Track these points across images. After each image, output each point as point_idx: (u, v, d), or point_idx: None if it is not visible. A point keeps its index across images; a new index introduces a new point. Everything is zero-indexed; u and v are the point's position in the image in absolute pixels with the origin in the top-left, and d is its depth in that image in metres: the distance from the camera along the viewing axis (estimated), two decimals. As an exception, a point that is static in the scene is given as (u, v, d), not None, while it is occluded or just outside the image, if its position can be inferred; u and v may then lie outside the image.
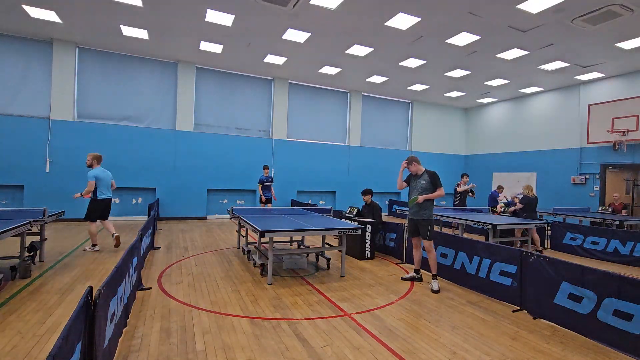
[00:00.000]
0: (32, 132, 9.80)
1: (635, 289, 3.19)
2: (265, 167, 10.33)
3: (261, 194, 10.13)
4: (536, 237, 7.78)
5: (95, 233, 6.52)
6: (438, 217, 8.30)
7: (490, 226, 6.49)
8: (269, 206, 9.88)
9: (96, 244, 6.57)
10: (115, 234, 6.57)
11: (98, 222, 6.55)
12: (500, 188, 10.47)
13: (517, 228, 7.51)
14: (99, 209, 6.49)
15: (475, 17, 7.63)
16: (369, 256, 6.68)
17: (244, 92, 12.57)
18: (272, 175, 10.37)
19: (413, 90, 13.97)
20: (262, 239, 5.20)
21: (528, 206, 8.03)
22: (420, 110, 16.06)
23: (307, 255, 6.52)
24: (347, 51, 9.94)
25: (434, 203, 5.21)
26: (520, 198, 8.38)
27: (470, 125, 17.03)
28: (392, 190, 15.08)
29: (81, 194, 6.30)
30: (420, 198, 4.92)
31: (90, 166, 6.46)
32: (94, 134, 10.46)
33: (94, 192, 6.37)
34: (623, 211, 10.42)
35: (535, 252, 4.19)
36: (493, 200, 10.17)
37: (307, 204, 10.59)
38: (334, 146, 14.20)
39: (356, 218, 6.96)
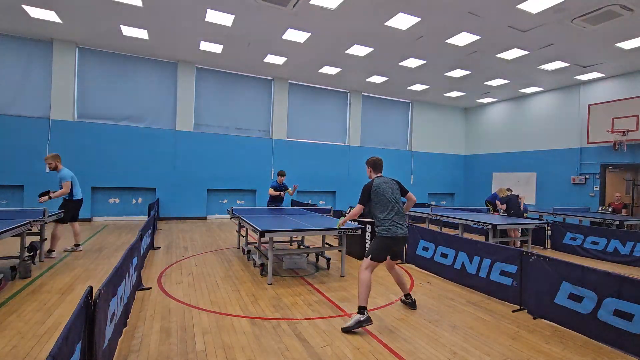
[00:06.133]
0: (32, 132, 9.79)
1: (636, 289, 3.18)
2: (281, 174, 8.09)
3: (272, 203, 8.12)
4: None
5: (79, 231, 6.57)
6: (438, 217, 8.31)
7: (490, 226, 6.49)
8: None
9: (79, 244, 6.58)
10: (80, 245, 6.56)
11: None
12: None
13: (514, 228, 7.55)
14: (75, 209, 6.44)
15: (475, 17, 7.63)
16: (369, 256, 6.65)
17: (244, 92, 12.56)
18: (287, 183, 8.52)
19: (413, 90, 13.96)
20: (262, 239, 5.20)
21: (512, 205, 8.41)
22: (420, 110, 16.06)
23: (307, 255, 6.51)
24: (347, 51, 9.94)
25: (380, 217, 3.88)
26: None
27: (470, 125, 17.02)
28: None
29: (49, 197, 5.95)
30: (341, 222, 4.32)
31: (55, 168, 6.19)
32: (94, 134, 10.46)
33: (71, 193, 6.27)
34: (623, 211, 10.42)
35: (536, 252, 4.18)
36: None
37: (307, 204, 10.53)
38: (334, 146, 14.20)
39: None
